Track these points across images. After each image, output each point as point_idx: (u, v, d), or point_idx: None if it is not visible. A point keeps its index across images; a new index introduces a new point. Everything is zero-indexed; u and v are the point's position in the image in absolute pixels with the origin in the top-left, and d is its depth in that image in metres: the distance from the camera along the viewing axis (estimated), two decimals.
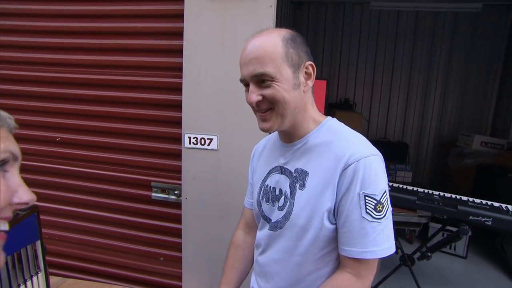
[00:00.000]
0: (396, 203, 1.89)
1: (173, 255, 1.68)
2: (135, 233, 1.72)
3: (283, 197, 0.82)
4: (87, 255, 1.78)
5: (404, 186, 2.14)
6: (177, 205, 1.61)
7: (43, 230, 1.72)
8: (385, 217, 0.73)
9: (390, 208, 0.75)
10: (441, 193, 1.97)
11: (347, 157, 0.73)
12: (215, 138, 1.44)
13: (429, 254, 2.00)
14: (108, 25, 1.51)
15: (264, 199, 0.88)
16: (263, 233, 0.88)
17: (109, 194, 1.71)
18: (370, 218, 0.71)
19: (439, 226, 2.32)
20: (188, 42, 1.39)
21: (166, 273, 1.71)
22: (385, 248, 0.73)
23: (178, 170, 1.56)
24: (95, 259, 1.78)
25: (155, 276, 1.72)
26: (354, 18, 4.11)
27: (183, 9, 1.31)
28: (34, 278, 1.07)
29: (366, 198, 0.71)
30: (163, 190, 1.66)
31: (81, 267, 1.79)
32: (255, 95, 0.74)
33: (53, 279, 1.36)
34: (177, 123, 1.49)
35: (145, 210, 1.68)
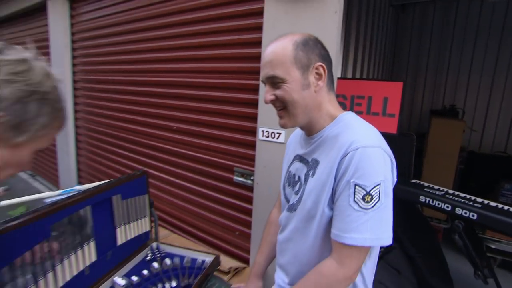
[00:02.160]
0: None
1: (245, 231, 1.89)
2: (219, 208, 2.01)
3: (299, 182, 0.89)
4: (184, 218, 2.19)
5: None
6: (251, 188, 1.80)
7: (156, 192, 2.18)
8: (373, 208, 0.72)
9: (385, 201, 0.73)
10: None
11: (347, 146, 0.74)
12: (283, 133, 1.57)
13: None
14: (208, 39, 1.84)
15: (287, 183, 0.96)
16: (283, 213, 0.96)
17: (202, 172, 2.05)
18: (356, 207, 0.72)
19: None
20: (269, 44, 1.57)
21: (239, 245, 1.93)
22: (367, 237, 0.72)
23: (253, 159, 1.76)
24: (189, 222, 2.16)
25: (230, 246, 1.97)
26: (469, 15, 3.53)
27: (262, 22, 1.50)
28: (142, 220, 1.43)
29: (356, 187, 0.72)
30: (242, 175, 1.89)
31: (179, 226, 2.21)
32: (268, 95, 0.81)
33: (163, 231, 1.74)
34: (254, 118, 1.68)
35: (227, 189, 1.95)
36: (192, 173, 2.11)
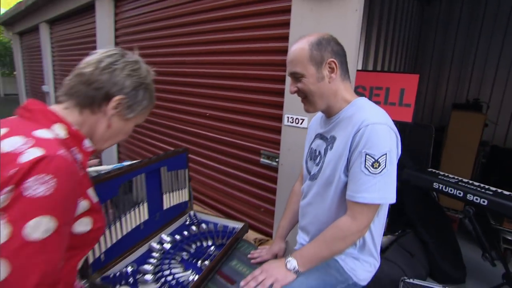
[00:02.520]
0: None
1: (269, 208, 2.09)
2: (246, 187, 2.22)
3: (319, 156, 1.07)
4: (214, 196, 2.42)
5: None
6: (276, 169, 1.99)
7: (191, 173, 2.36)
8: (380, 173, 0.87)
9: (390, 168, 0.88)
10: None
11: (359, 123, 0.90)
12: (305, 119, 1.74)
13: None
14: (241, 34, 2.04)
15: (309, 157, 1.14)
16: (305, 183, 1.15)
17: (231, 155, 2.26)
18: (366, 172, 0.88)
19: None
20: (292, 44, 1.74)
21: (263, 221, 2.14)
22: (375, 196, 0.89)
23: (278, 143, 1.94)
24: (219, 200, 2.40)
25: (256, 222, 2.18)
26: (500, 10, 3.47)
27: (290, 19, 1.67)
28: (182, 190, 1.67)
29: (366, 156, 0.88)
30: (268, 157, 2.08)
31: (209, 203, 2.45)
32: (292, 87, 1.01)
33: (196, 207, 1.98)
34: (280, 106, 1.86)
35: (254, 170, 2.15)
36: (222, 155, 2.34)
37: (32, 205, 0.53)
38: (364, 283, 1.08)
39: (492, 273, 2.41)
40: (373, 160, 0.88)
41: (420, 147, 2.59)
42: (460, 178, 2.04)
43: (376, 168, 0.88)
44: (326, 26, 1.52)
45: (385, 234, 2.49)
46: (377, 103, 1.82)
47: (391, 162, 0.89)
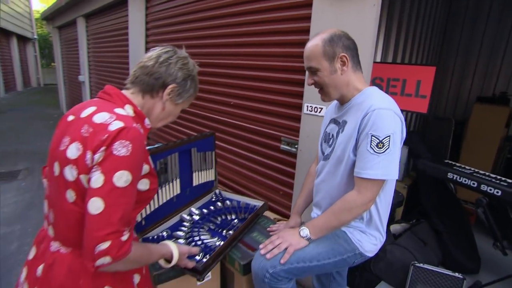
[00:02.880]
0: None
1: (287, 191, 2.23)
2: (266, 171, 2.36)
3: (332, 138, 1.19)
4: (236, 179, 2.60)
5: None
6: (295, 155, 2.12)
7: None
8: (384, 153, 0.97)
9: (393, 149, 0.98)
10: None
11: (367, 108, 1.01)
12: (324, 108, 1.84)
13: None
14: (265, 27, 2.16)
15: (324, 140, 1.26)
16: (320, 163, 1.27)
17: (254, 141, 2.41)
18: (372, 151, 0.98)
19: None
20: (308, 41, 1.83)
21: (282, 204, 2.28)
22: (378, 173, 0.99)
23: (298, 130, 2.06)
24: (240, 183, 2.57)
25: (275, 204, 2.33)
26: None
27: (311, 13, 1.76)
28: (209, 170, 1.84)
29: (372, 137, 0.98)
30: (288, 143, 2.21)
31: (231, 186, 2.63)
32: (309, 80, 1.14)
33: (220, 188, 2.15)
34: (300, 95, 1.98)
35: (275, 156, 2.29)
36: (245, 141, 2.49)
37: (117, 162, 0.71)
38: (370, 254, 1.19)
39: (508, 265, 2.42)
40: (378, 141, 0.98)
41: (439, 139, 2.61)
42: (475, 170, 2.07)
43: (380, 148, 0.98)
44: (344, 20, 1.60)
45: (399, 222, 2.56)
46: (393, 94, 1.89)
47: (394, 143, 0.98)
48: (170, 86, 0.89)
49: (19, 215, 2.99)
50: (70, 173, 0.74)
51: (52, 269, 0.78)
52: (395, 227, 2.47)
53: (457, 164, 2.20)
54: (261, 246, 1.19)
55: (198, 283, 1.31)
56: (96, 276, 0.78)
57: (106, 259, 0.70)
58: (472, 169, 2.08)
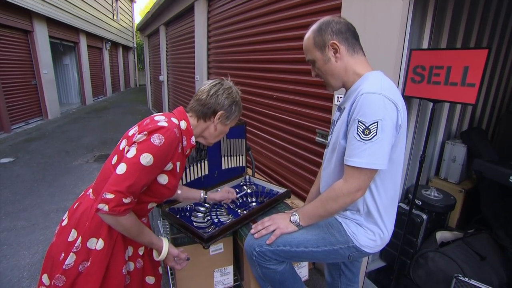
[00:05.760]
0: None
1: None
2: (301, 162, 2.37)
3: (333, 125, 1.14)
4: (271, 167, 2.66)
5: None
6: None
7: (253, 146, 2.69)
8: (370, 140, 0.90)
9: (382, 136, 0.89)
10: None
11: (357, 93, 0.95)
12: None
13: None
14: (299, 22, 2.16)
15: (331, 129, 1.22)
16: (324, 152, 1.23)
17: (291, 133, 2.44)
18: (358, 138, 0.91)
19: None
20: None
21: None
22: (363, 161, 0.92)
23: (330, 121, 2.02)
24: (275, 171, 2.62)
25: (306, 193, 2.31)
26: None
27: (341, 4, 1.71)
28: (240, 157, 1.95)
29: (358, 123, 0.91)
30: (322, 135, 2.17)
31: (266, 172, 2.70)
32: (312, 72, 1.13)
33: (256, 175, 2.25)
34: None
35: (309, 147, 2.28)
36: (282, 132, 2.54)
37: (149, 146, 0.91)
38: (368, 250, 1.10)
39: None
40: (364, 127, 0.91)
41: (508, 136, 2.19)
42: None
43: (366, 134, 0.90)
44: (373, 9, 1.51)
45: (451, 229, 2.25)
46: (436, 84, 1.69)
47: (383, 130, 0.90)
48: (219, 113, 1.11)
49: None
50: (123, 144, 1.00)
51: (79, 206, 1.06)
52: (444, 234, 2.19)
53: None
54: (252, 225, 1.24)
55: (210, 252, 1.44)
56: (98, 225, 0.99)
57: (105, 207, 0.88)
58: None
